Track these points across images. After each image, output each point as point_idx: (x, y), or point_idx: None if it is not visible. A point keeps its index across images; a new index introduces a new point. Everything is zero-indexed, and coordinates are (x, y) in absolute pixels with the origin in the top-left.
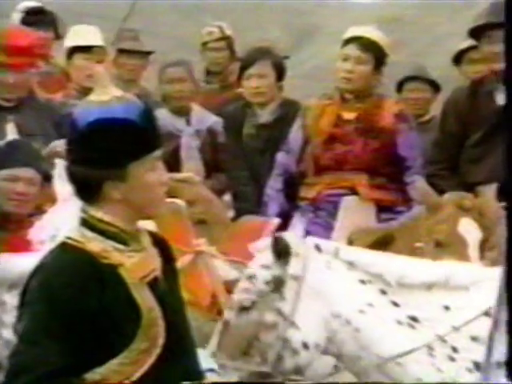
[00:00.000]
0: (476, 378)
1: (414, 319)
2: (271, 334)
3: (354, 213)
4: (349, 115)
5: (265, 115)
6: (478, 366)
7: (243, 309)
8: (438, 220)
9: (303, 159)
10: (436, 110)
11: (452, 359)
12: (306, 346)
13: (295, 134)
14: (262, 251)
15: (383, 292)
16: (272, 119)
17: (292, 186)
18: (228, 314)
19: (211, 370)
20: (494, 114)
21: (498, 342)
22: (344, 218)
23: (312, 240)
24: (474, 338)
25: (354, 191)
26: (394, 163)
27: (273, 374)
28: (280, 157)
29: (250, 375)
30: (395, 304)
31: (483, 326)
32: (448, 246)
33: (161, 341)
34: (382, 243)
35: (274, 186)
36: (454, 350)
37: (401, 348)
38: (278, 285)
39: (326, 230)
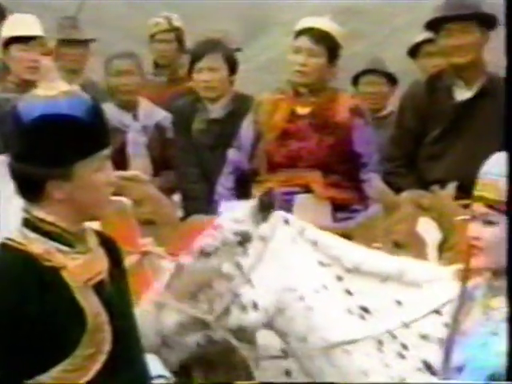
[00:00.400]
0: (426, 378)
1: (365, 310)
2: (224, 285)
3: (309, 211)
4: (302, 110)
5: (216, 110)
6: (428, 365)
7: (204, 254)
8: (395, 220)
9: (255, 156)
10: (394, 104)
11: (402, 356)
12: (255, 306)
13: (246, 130)
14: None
15: (339, 278)
16: (223, 114)
17: (244, 183)
18: (183, 259)
19: (160, 377)
20: (452, 110)
21: (457, 345)
22: (298, 216)
23: (281, 213)
24: (424, 337)
25: (308, 189)
26: (349, 160)
27: (213, 326)
28: (231, 153)
29: (190, 320)
30: (349, 292)
31: (433, 325)
32: (406, 246)
33: (107, 347)
34: None
35: (225, 183)
36: (404, 346)
37: (348, 337)
38: (244, 239)
39: None
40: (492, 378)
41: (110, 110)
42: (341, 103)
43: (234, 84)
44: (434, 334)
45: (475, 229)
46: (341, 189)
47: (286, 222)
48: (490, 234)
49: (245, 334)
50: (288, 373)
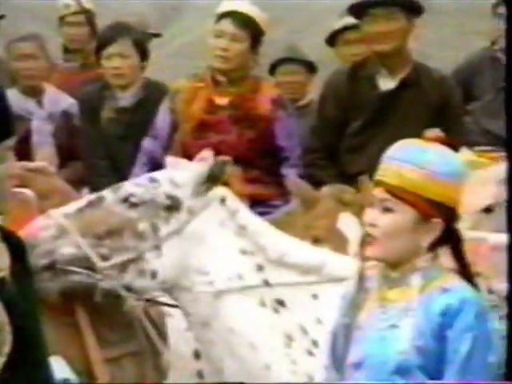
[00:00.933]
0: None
1: (280, 303)
2: (134, 242)
3: None
4: (221, 100)
5: (125, 98)
6: None
7: (129, 202)
8: (315, 215)
9: (171, 147)
10: (313, 93)
11: (310, 353)
12: (154, 275)
13: (163, 119)
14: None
15: (260, 268)
16: (134, 102)
17: None
18: (107, 193)
19: (66, 381)
20: (375, 100)
21: (355, 342)
22: None
23: (221, 191)
24: None
25: (226, 185)
26: (271, 154)
27: (102, 273)
28: (146, 143)
29: (83, 258)
30: (267, 283)
31: None
32: (327, 242)
33: (7, 348)
34: None
35: (139, 174)
36: (314, 343)
37: (255, 330)
38: (173, 206)
39: None
40: (398, 372)
41: (14, 97)
42: (263, 94)
43: (144, 71)
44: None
45: (372, 215)
46: (261, 184)
47: (223, 201)
48: (387, 221)
49: (134, 291)
50: (200, 375)
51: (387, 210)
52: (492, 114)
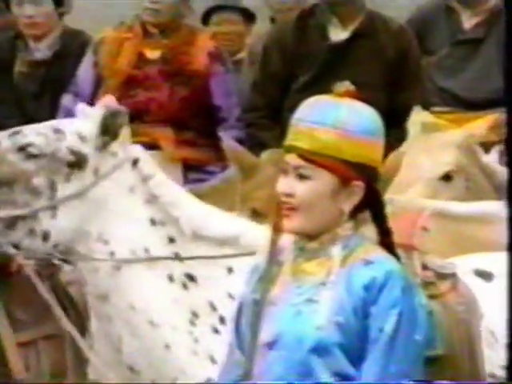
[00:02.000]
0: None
1: (190, 278)
2: (26, 197)
3: None
4: (152, 54)
5: (41, 50)
6: None
7: (26, 151)
8: (254, 185)
9: (95, 105)
10: (252, 45)
11: (216, 331)
12: (46, 237)
13: (85, 73)
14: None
15: (171, 240)
16: (50, 55)
17: None
18: (2, 137)
19: None
20: (325, 52)
21: (267, 319)
22: None
23: (135, 150)
24: None
25: (156, 147)
26: (206, 114)
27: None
28: (65, 101)
29: None
30: (177, 257)
31: None
32: (267, 215)
33: None
34: None
35: None
36: (222, 320)
37: (158, 307)
38: (77, 163)
39: None
40: (315, 352)
41: None
42: (198, 46)
43: (62, 19)
44: None
45: (287, 184)
46: (195, 147)
47: (135, 163)
48: (304, 189)
49: (23, 251)
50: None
51: (303, 177)
52: (448, 71)
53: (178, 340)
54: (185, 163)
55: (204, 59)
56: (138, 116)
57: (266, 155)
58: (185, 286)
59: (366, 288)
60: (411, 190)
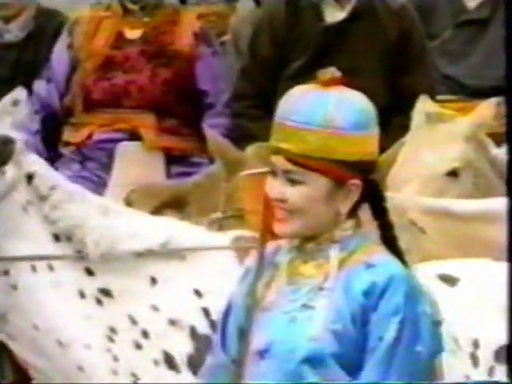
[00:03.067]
0: (160, 371)
1: (105, 293)
2: None
3: (135, 164)
4: (132, 33)
5: (12, 31)
6: (168, 358)
7: None
8: (237, 184)
9: (70, 91)
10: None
11: (138, 346)
12: None
13: (59, 57)
14: None
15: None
16: (23, 36)
17: (54, 126)
18: None
19: None
20: (320, 35)
21: (259, 326)
22: (120, 171)
23: (32, 162)
24: (173, 322)
25: (136, 136)
26: (190, 100)
27: None
28: (38, 86)
29: None
30: (89, 272)
31: (188, 308)
32: (253, 216)
33: None
34: (172, 206)
35: (28, 125)
36: (145, 334)
37: (66, 326)
38: None
39: (98, 187)
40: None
41: None
42: (183, 26)
43: None
44: (187, 320)
45: (277, 188)
46: (179, 136)
47: (30, 178)
48: (296, 195)
49: None
50: None
51: (294, 182)
52: (452, 56)
53: (93, 359)
54: (167, 154)
55: (189, 40)
56: (116, 101)
57: (251, 149)
58: (99, 302)
59: (366, 293)
60: (413, 186)
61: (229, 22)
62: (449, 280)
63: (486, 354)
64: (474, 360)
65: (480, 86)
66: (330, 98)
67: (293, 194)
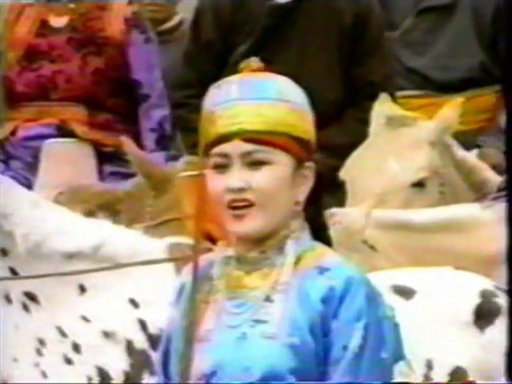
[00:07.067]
0: None
1: (32, 298)
2: None
3: (64, 164)
4: (58, 21)
5: None
6: (103, 373)
7: None
8: (165, 204)
9: None
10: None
11: (68, 361)
12: None
13: None
14: None
15: (4, 253)
16: None
17: None
18: None
19: None
20: (267, 15)
21: (201, 348)
22: (48, 171)
23: None
24: (107, 334)
25: (65, 131)
26: (124, 91)
27: None
28: None
29: None
30: (13, 271)
31: (123, 319)
32: (177, 222)
33: None
34: (108, 210)
35: None
36: (76, 348)
37: None
38: None
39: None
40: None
41: None
42: (113, 11)
43: None
44: (123, 333)
45: (238, 178)
46: (112, 132)
47: None
48: (263, 178)
49: None
50: None
51: (258, 163)
52: (414, 47)
53: (20, 375)
54: (99, 152)
55: (119, 25)
56: (42, 93)
57: (180, 164)
58: (26, 308)
59: (324, 300)
60: (375, 199)
61: (174, 7)
62: (404, 292)
63: (440, 376)
64: (428, 382)
65: (447, 79)
66: (272, 78)
67: (260, 178)
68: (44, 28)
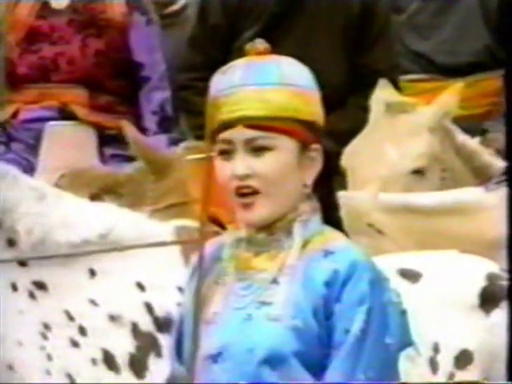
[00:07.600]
0: (98, 371)
1: (40, 286)
2: None
3: (66, 146)
4: (59, 2)
5: None
6: (108, 356)
7: None
8: (165, 189)
9: None
10: None
11: (74, 344)
12: None
13: None
14: None
15: (11, 243)
16: None
17: None
18: None
19: None
20: (274, 3)
21: (209, 328)
22: (49, 153)
23: None
24: (113, 318)
25: (66, 113)
26: (125, 74)
27: None
28: None
29: None
30: (22, 264)
31: (129, 303)
32: (183, 206)
33: None
34: (109, 193)
35: None
36: (82, 331)
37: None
38: None
39: (26, 172)
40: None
41: None
42: None
43: None
44: (129, 315)
45: (242, 164)
46: (113, 114)
47: None
48: (267, 164)
49: None
50: None
51: (263, 149)
52: (420, 31)
53: (25, 358)
54: (101, 134)
55: (121, 7)
56: (44, 75)
57: (180, 150)
58: (32, 296)
59: (328, 284)
60: (376, 185)
61: None
62: (410, 276)
63: (446, 360)
64: (433, 366)
65: (454, 63)
66: (277, 61)
67: (263, 164)
68: (45, 10)
